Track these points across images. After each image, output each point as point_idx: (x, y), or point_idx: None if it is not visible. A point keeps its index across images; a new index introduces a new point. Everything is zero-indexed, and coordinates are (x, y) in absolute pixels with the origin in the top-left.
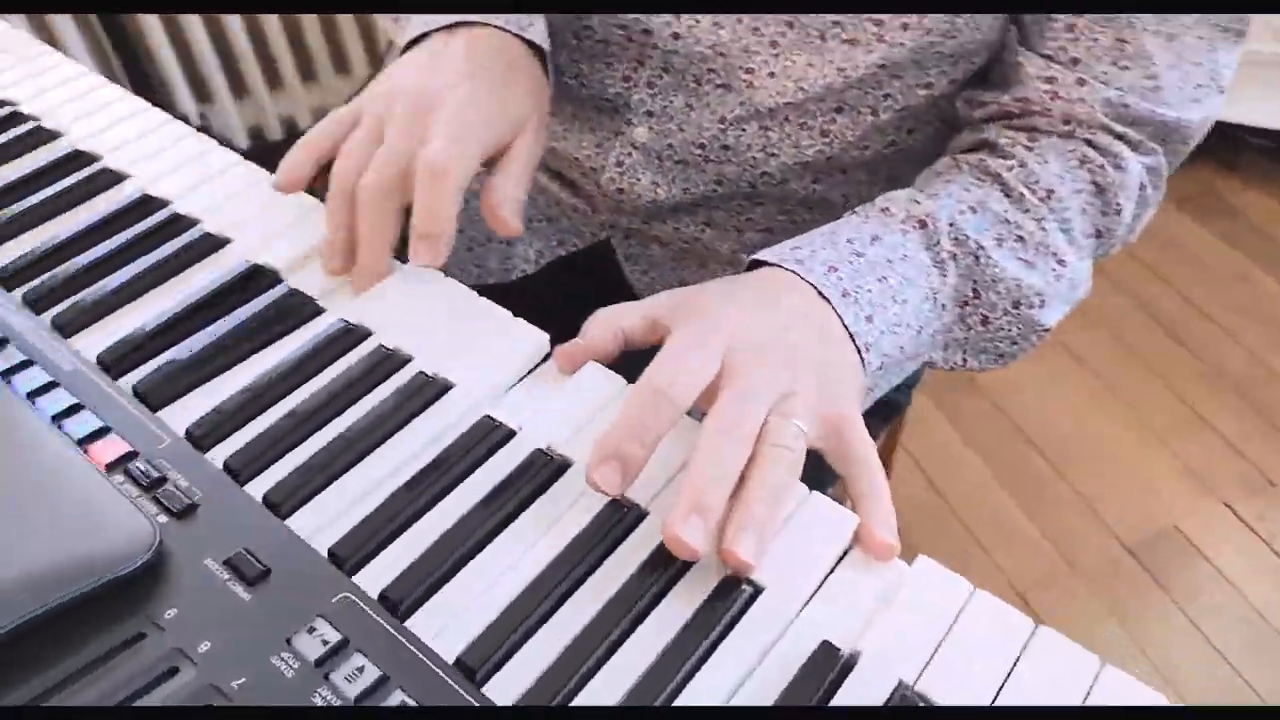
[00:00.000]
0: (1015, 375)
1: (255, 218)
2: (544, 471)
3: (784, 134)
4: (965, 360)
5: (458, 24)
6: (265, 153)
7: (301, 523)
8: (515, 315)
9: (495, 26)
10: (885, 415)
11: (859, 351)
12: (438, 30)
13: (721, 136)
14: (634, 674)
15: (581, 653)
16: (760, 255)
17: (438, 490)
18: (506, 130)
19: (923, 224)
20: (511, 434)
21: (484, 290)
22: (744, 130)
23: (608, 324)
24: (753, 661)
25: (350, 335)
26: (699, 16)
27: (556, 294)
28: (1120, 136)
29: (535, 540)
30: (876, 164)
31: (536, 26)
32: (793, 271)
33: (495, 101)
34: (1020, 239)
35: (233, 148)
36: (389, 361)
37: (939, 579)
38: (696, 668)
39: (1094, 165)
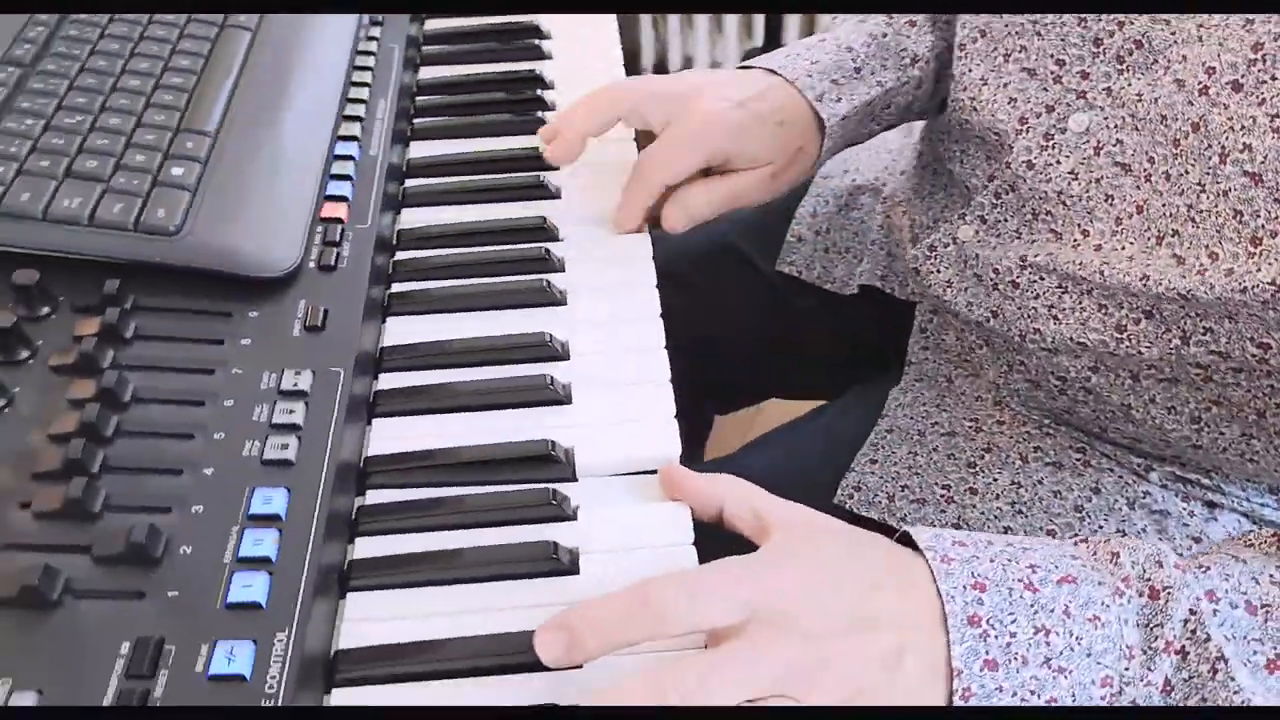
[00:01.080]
0: None
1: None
2: (543, 564)
3: (1077, 305)
4: None
5: (777, 71)
6: None
7: (391, 328)
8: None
9: (797, 88)
10: None
11: (952, 696)
12: (762, 68)
13: (1015, 272)
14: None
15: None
16: (914, 531)
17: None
18: (736, 157)
19: (1153, 594)
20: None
21: (818, 293)
22: (1040, 279)
23: (721, 492)
24: None
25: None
26: (1061, 157)
27: (856, 322)
28: None
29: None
30: (1179, 387)
31: (840, 104)
32: (930, 568)
33: (743, 131)
34: None
35: None
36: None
37: None
38: None
39: None
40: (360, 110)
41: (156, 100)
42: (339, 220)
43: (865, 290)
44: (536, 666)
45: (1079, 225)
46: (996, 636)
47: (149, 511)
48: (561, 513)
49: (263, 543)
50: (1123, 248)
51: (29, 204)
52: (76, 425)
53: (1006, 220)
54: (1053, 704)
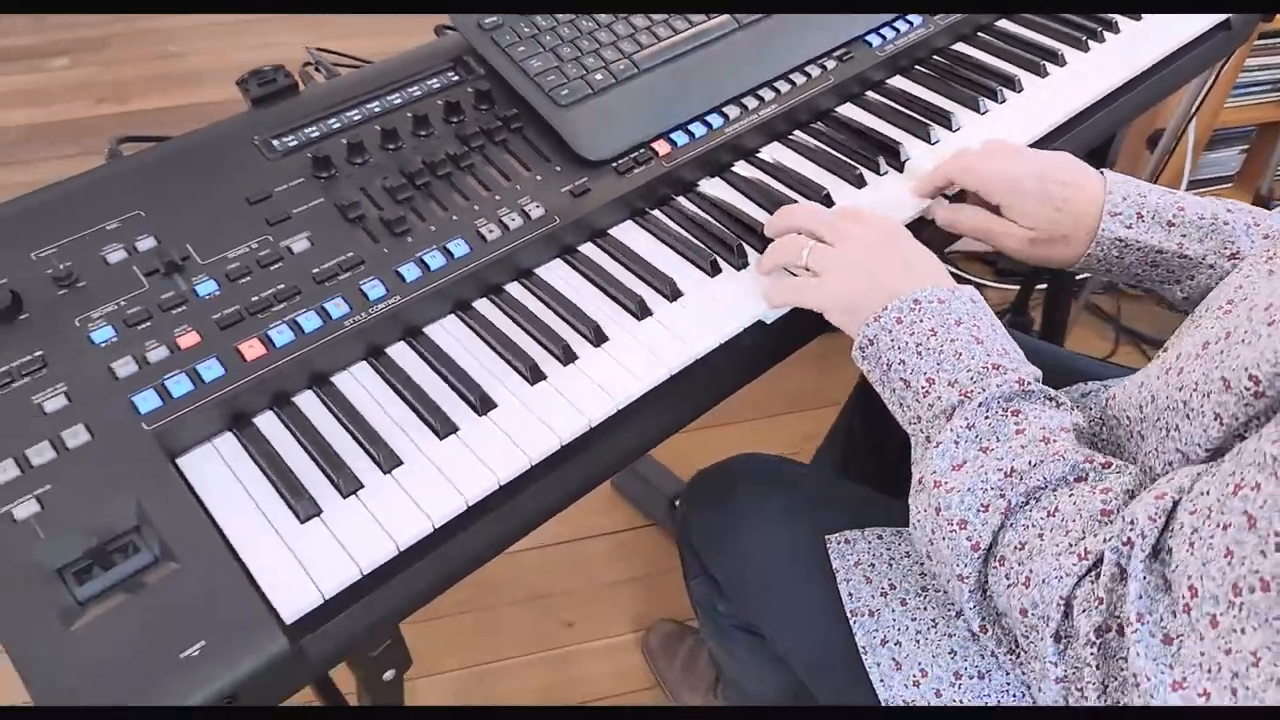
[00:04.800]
0: None
1: None
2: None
3: None
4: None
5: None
6: None
7: (626, 228)
8: None
9: (1106, 197)
10: None
11: (879, 313)
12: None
13: None
14: None
15: None
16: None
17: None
18: (1008, 209)
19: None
20: None
21: None
22: None
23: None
24: None
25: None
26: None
27: None
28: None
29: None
30: None
31: (1126, 231)
32: (914, 301)
33: (1023, 194)
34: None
35: None
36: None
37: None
38: None
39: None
40: (767, 94)
41: (671, 20)
42: (654, 153)
43: None
44: None
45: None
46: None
47: (341, 254)
48: None
49: (420, 266)
50: None
51: (523, 53)
52: (396, 180)
53: None
54: (906, 367)
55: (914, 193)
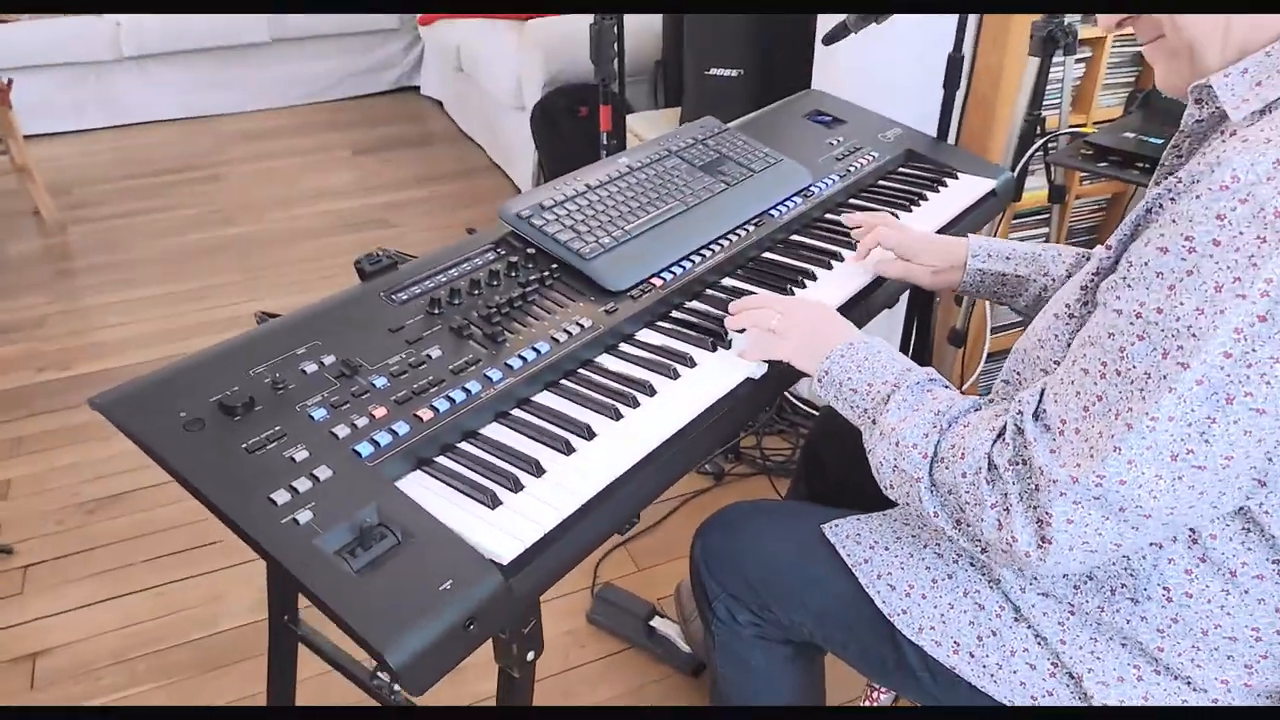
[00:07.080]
0: None
1: None
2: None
3: None
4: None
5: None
6: None
7: (645, 333)
8: None
9: (969, 243)
10: None
11: (829, 354)
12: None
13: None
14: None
15: None
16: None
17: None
18: (912, 257)
19: (895, 388)
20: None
21: None
22: None
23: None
24: None
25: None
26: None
27: None
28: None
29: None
30: None
31: (985, 263)
32: (850, 344)
33: (923, 248)
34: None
35: None
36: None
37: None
38: None
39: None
40: (715, 248)
41: (644, 206)
42: (653, 285)
43: None
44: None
45: None
46: (845, 359)
47: (464, 356)
48: None
49: (520, 359)
50: None
51: (552, 231)
52: (485, 311)
53: None
54: (857, 378)
55: (855, 257)
